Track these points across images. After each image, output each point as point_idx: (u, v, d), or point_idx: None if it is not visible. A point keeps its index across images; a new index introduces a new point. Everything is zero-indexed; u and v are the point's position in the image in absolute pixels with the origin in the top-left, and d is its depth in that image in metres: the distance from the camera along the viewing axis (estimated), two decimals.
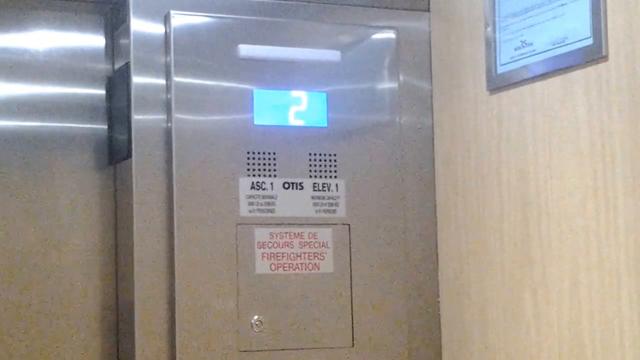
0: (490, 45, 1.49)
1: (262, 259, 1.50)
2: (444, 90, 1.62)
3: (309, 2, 1.59)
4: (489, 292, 1.50)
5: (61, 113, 1.58)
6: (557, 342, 1.36)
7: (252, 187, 1.51)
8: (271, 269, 1.51)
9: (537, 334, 1.40)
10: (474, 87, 1.54)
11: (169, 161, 1.48)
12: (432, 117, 1.63)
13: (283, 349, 1.50)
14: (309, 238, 1.53)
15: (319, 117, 1.56)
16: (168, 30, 1.50)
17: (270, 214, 1.51)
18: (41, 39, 1.59)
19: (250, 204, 1.50)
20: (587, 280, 1.30)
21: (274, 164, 1.52)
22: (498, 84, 1.48)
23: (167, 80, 1.49)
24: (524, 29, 1.43)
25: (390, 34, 1.61)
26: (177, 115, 1.48)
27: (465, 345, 1.55)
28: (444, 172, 1.61)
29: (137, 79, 1.49)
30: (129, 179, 1.48)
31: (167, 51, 1.50)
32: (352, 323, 1.54)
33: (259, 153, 1.51)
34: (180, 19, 1.50)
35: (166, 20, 1.50)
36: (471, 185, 1.54)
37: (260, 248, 1.50)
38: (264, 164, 1.52)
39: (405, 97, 1.62)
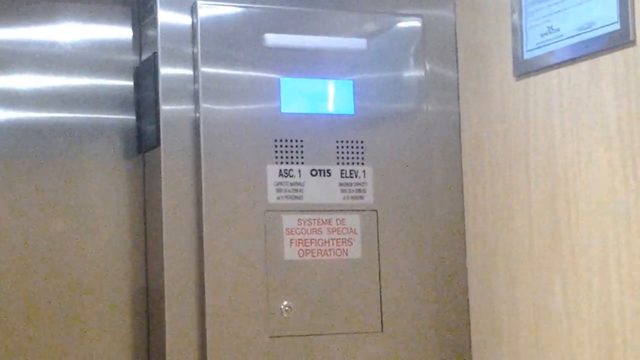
0: (517, 32, 1.49)
1: (291, 245, 1.51)
2: (470, 77, 1.62)
3: None
4: (517, 278, 1.50)
5: (90, 104, 1.60)
6: (587, 328, 1.36)
7: (280, 175, 1.51)
8: (299, 255, 1.51)
9: (567, 318, 1.39)
10: (500, 74, 1.54)
11: (197, 150, 1.48)
12: (459, 104, 1.64)
13: (312, 334, 1.50)
14: (337, 224, 1.54)
15: (345, 105, 1.56)
16: (195, 20, 1.50)
17: (298, 201, 1.52)
18: (70, 31, 1.60)
19: (279, 190, 1.51)
20: (617, 267, 1.30)
21: (302, 152, 1.53)
22: (525, 69, 1.48)
23: (194, 71, 1.50)
24: (550, 14, 1.43)
25: (416, 22, 1.61)
26: (204, 105, 1.49)
27: (494, 330, 1.55)
28: (471, 158, 1.61)
29: (164, 70, 1.50)
30: (157, 168, 1.49)
31: (194, 42, 1.50)
32: (381, 308, 1.54)
33: (286, 141, 1.52)
34: (207, 10, 1.51)
35: (193, 10, 1.51)
36: (499, 171, 1.54)
37: (288, 234, 1.51)
38: (292, 152, 1.52)
39: (432, 84, 1.62)
